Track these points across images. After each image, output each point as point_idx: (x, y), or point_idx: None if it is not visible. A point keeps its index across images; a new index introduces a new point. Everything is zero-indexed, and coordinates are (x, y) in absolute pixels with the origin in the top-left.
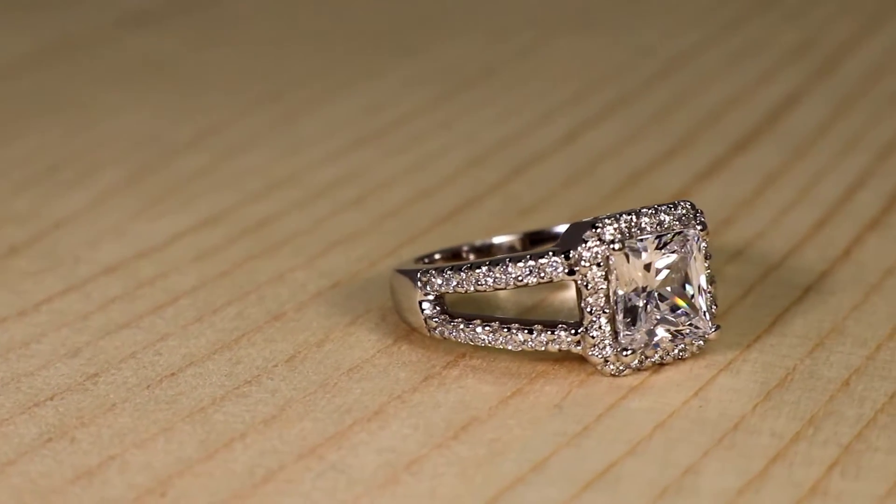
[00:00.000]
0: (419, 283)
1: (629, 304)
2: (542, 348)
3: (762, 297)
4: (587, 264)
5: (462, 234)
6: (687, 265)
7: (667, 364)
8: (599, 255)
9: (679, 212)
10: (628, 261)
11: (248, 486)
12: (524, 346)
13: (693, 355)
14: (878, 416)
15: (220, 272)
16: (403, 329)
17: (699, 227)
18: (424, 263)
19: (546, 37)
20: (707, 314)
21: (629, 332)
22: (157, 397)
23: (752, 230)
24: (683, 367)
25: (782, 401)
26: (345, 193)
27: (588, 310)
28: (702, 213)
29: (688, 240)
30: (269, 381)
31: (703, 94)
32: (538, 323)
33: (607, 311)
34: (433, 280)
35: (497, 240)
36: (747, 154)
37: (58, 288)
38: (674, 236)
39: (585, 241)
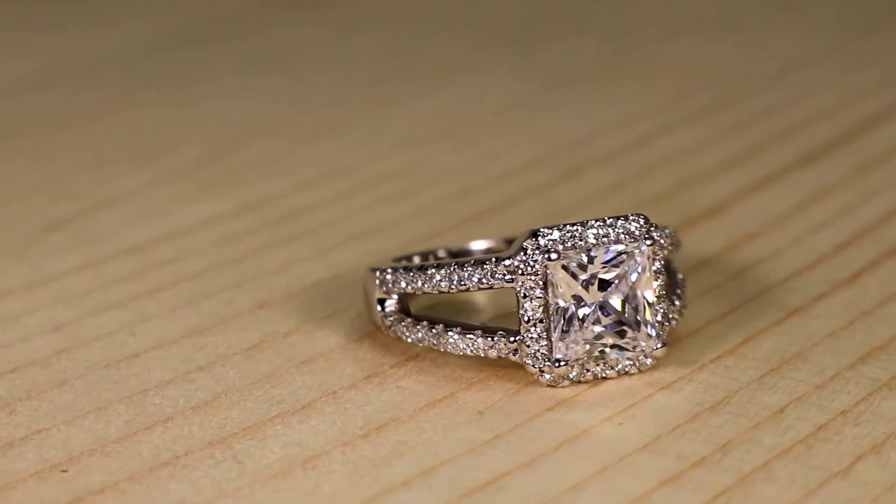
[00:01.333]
0: (377, 280)
1: (568, 315)
2: (482, 354)
3: (743, 316)
4: (524, 273)
5: (485, 234)
6: (634, 280)
7: (609, 378)
8: (537, 264)
9: (630, 226)
10: (569, 272)
11: (146, 468)
12: (465, 351)
13: (641, 371)
14: (794, 447)
15: (232, 259)
16: (373, 327)
17: (648, 243)
18: (398, 263)
19: (653, 39)
20: (654, 331)
21: (564, 344)
22: (109, 377)
23: (771, 248)
24: (625, 383)
25: (706, 424)
26: (390, 187)
27: (525, 318)
28: (656, 227)
29: (635, 254)
30: (220, 369)
31: (796, 105)
32: (480, 328)
33: (543, 320)
34: (387, 278)
35: (475, 244)
36: (810, 169)
37: (73, 265)
38: (621, 250)
39: (525, 250)
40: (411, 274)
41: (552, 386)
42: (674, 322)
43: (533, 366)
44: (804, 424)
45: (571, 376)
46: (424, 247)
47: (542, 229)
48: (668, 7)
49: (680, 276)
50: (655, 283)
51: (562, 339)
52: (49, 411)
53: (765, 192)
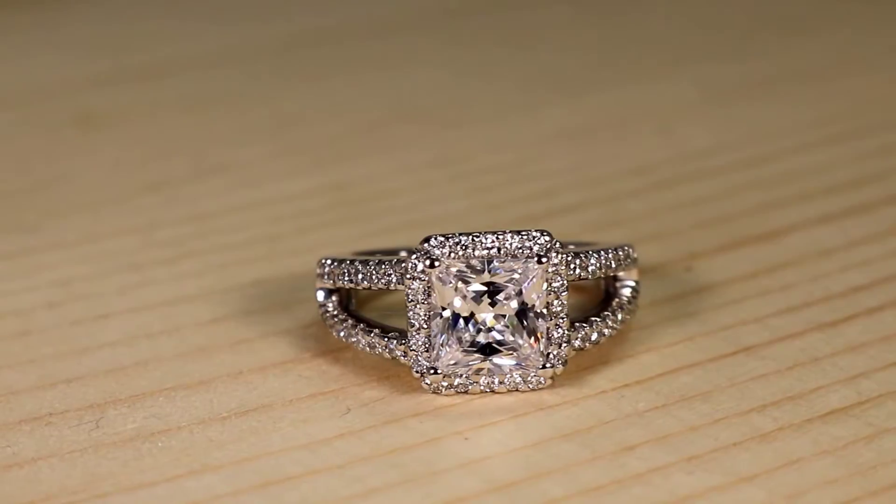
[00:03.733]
0: (318, 271)
1: (448, 325)
2: (378, 354)
3: (692, 349)
4: (411, 277)
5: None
6: (524, 296)
7: (499, 392)
8: (423, 271)
9: (527, 241)
10: (455, 281)
11: None
12: (366, 349)
13: (534, 390)
14: (607, 487)
15: (257, 239)
16: None
17: (539, 260)
18: (355, 256)
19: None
20: (543, 349)
21: (443, 352)
22: (53, 338)
23: (785, 281)
24: (509, 399)
25: (543, 451)
26: (469, 181)
27: (410, 323)
28: (558, 244)
29: (528, 270)
30: (144, 342)
31: None
32: (380, 328)
33: (425, 327)
34: (326, 270)
35: None
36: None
37: (111, 230)
38: (514, 264)
39: (413, 255)
40: (342, 267)
41: (436, 392)
42: (576, 344)
43: (415, 371)
44: (636, 464)
45: (454, 385)
46: None
47: (433, 236)
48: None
49: (625, 296)
50: (556, 302)
51: (441, 348)
52: None
53: (832, 224)
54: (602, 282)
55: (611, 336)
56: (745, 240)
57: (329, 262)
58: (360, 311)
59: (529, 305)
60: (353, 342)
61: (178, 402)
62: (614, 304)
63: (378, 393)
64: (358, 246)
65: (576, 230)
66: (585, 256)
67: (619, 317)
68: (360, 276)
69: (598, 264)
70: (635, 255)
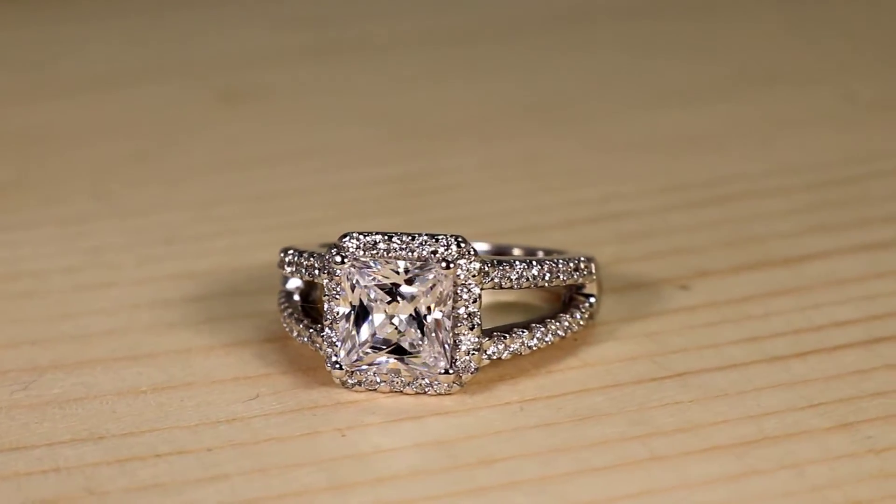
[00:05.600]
0: (279, 261)
1: (351, 322)
2: (304, 344)
3: (622, 370)
4: (327, 273)
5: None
6: (434, 300)
7: (407, 393)
8: (333, 266)
9: (438, 246)
10: (366, 279)
11: None
12: (297, 339)
13: (439, 394)
14: (440, 498)
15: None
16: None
17: (447, 265)
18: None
19: None
20: (450, 354)
21: (346, 348)
22: (49, 302)
23: (769, 309)
24: (410, 400)
25: (403, 456)
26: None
27: (325, 316)
28: (471, 251)
29: (438, 275)
30: (126, 313)
31: None
32: (311, 318)
33: (337, 321)
34: (285, 259)
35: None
36: None
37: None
38: (425, 267)
39: (330, 250)
40: (290, 257)
41: (346, 387)
42: (490, 352)
43: (326, 364)
44: (483, 479)
45: (363, 381)
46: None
47: (351, 233)
48: None
49: (571, 310)
50: (465, 309)
51: (346, 344)
52: None
53: (861, 256)
54: (564, 292)
55: (538, 349)
56: (762, 263)
57: (283, 253)
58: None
59: (435, 310)
60: (289, 331)
61: (111, 372)
62: (553, 317)
63: (297, 382)
64: None
65: (608, 238)
66: (508, 266)
67: (551, 330)
68: (294, 267)
69: (525, 275)
70: (591, 269)
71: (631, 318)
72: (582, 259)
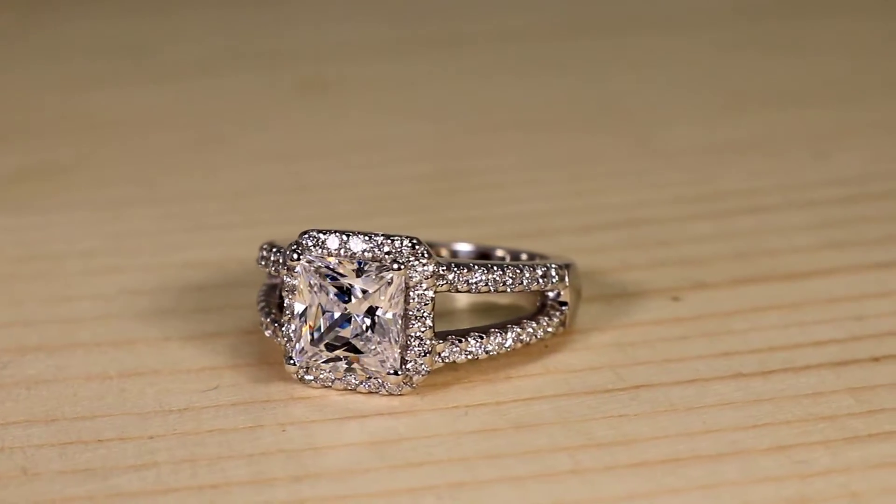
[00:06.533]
0: (257, 257)
1: (303, 319)
2: (269, 336)
3: (578, 380)
4: (286, 269)
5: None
6: (386, 301)
7: (360, 392)
8: (290, 263)
9: (391, 247)
10: (320, 277)
11: None
12: (266, 332)
13: (391, 395)
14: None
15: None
16: None
17: (399, 266)
18: None
19: None
20: (400, 356)
21: (300, 345)
22: (58, 285)
23: (752, 324)
24: (362, 400)
25: (333, 454)
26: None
27: (284, 311)
28: (425, 253)
29: (391, 275)
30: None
31: None
32: (276, 312)
33: (295, 317)
34: (262, 254)
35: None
36: None
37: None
38: (380, 267)
39: (290, 247)
40: (266, 252)
41: (304, 382)
42: (445, 355)
43: (284, 357)
44: (398, 482)
45: (319, 378)
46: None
47: (309, 230)
48: None
49: (538, 317)
50: (419, 311)
51: (299, 340)
52: None
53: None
54: (540, 298)
55: (497, 354)
56: (766, 278)
57: (264, 248)
58: None
59: (388, 311)
60: (260, 324)
61: (85, 357)
62: (517, 323)
63: (260, 376)
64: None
65: (620, 245)
66: (466, 270)
67: (512, 336)
68: (264, 262)
69: (484, 280)
70: (559, 276)
71: (610, 327)
72: (554, 266)
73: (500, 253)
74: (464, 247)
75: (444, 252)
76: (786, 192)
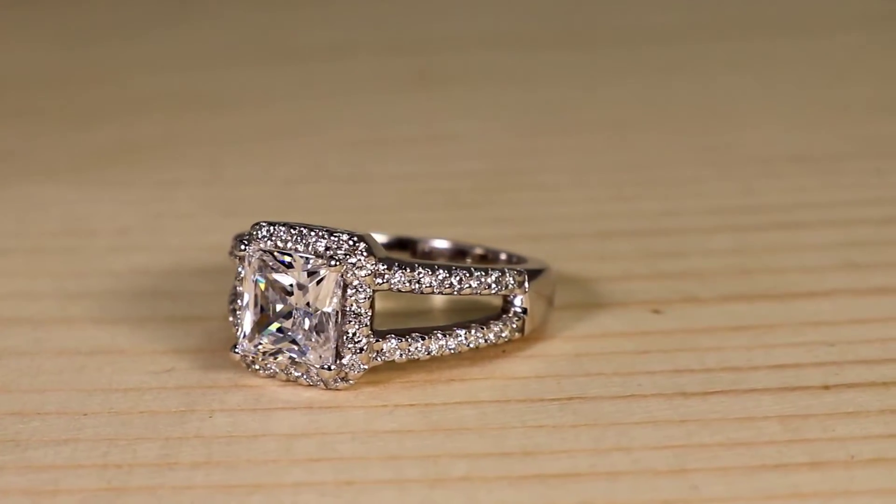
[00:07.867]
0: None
1: (245, 309)
2: (230, 322)
3: (516, 386)
4: (238, 259)
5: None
6: (322, 296)
7: (301, 384)
8: (237, 253)
9: (332, 243)
10: (264, 269)
11: None
12: (229, 319)
13: (329, 389)
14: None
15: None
16: None
17: (336, 263)
18: None
19: None
20: (336, 351)
21: (242, 333)
22: (65, 260)
23: (745, 343)
24: (306, 392)
25: (255, 444)
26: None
27: (235, 300)
28: (364, 250)
29: (329, 271)
30: (119, 277)
31: None
32: (239, 300)
33: (238, 304)
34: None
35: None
36: None
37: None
38: (321, 262)
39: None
40: (235, 241)
41: (251, 371)
42: (384, 352)
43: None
44: (312, 475)
45: (265, 367)
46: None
47: (260, 222)
48: None
49: (488, 319)
50: (355, 308)
51: (244, 330)
52: None
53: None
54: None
55: (441, 355)
56: (759, 296)
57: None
58: None
59: (327, 306)
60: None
61: (67, 332)
62: (465, 326)
63: (215, 362)
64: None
65: (627, 254)
66: (410, 270)
67: (457, 338)
68: (231, 250)
69: (428, 282)
70: (516, 282)
71: (576, 337)
72: (511, 272)
73: (478, 252)
74: (441, 244)
75: (423, 248)
76: (825, 209)
